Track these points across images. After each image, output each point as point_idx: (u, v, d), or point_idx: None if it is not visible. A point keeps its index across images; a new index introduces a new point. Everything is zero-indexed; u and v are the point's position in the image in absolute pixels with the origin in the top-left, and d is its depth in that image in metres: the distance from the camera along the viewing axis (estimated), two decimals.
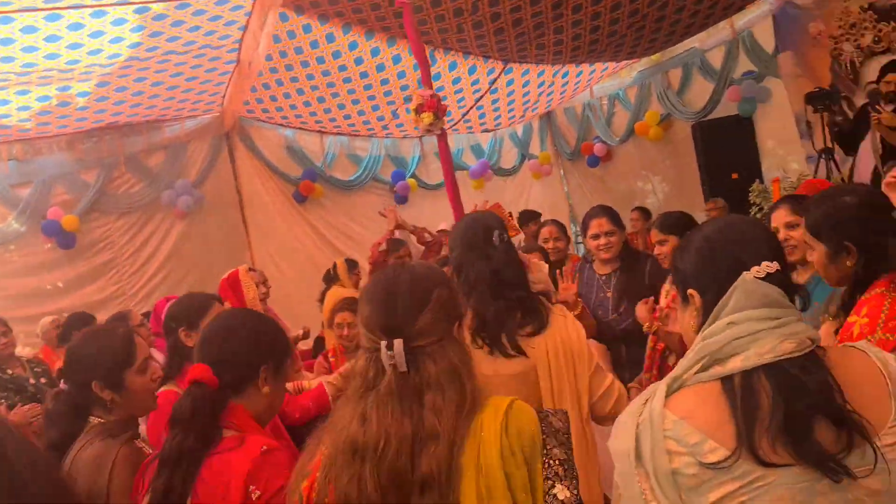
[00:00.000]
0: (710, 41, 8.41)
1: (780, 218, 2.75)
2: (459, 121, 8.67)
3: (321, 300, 5.59)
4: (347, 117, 8.24)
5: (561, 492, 1.34)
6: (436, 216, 7.90)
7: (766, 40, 7.84)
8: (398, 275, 1.47)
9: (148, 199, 7.67)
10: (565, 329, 2.28)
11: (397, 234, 6.31)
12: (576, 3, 6.67)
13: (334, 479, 1.36)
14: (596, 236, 3.66)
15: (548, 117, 10.53)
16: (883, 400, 1.26)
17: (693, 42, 8.44)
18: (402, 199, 8.97)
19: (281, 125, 8.41)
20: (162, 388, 2.44)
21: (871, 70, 6.61)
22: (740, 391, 1.24)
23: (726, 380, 1.26)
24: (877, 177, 5.88)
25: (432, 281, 1.47)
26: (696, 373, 1.29)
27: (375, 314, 1.43)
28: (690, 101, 8.87)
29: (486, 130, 9.82)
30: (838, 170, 6.24)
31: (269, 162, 8.32)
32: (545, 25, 6.92)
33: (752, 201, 7.05)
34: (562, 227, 4.79)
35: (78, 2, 5.68)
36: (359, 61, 7.24)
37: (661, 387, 1.32)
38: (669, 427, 1.25)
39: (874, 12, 6.77)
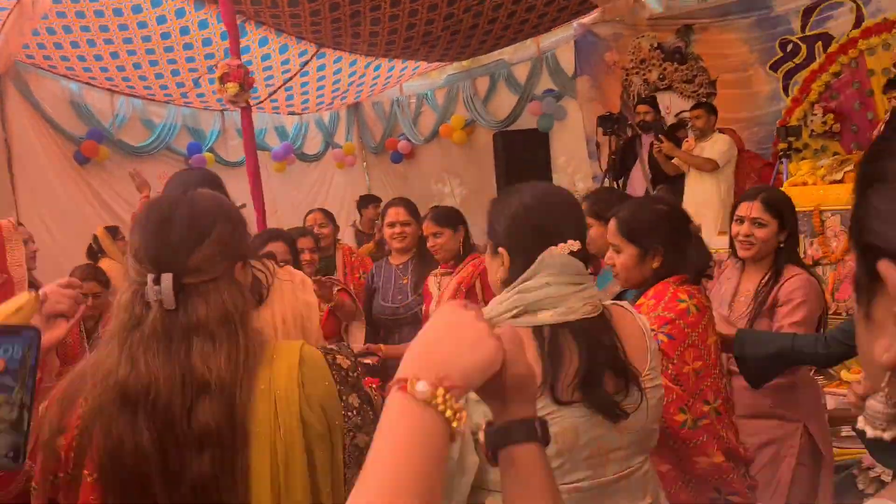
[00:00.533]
0: (517, 56, 8.80)
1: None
2: (265, 99, 8.37)
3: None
4: (143, 78, 7.67)
5: (362, 440, 1.30)
6: (233, 195, 7.55)
7: (567, 63, 8.34)
8: (177, 203, 1.30)
9: None
10: (291, 293, 2.15)
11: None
12: None
13: (103, 431, 1.19)
14: (392, 224, 3.75)
15: (355, 108, 10.48)
16: (643, 352, 1.57)
17: (502, 55, 8.79)
18: None
19: (66, 76, 7.64)
20: None
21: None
22: (549, 342, 1.46)
23: (536, 329, 1.47)
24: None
25: (214, 214, 1.31)
26: (509, 318, 1.48)
27: (145, 244, 1.26)
28: (494, 110, 9.23)
29: (293, 113, 9.58)
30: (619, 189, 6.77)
31: (47, 115, 7.52)
32: (362, 15, 6.87)
33: None
34: (329, 215, 4.80)
35: None
36: (161, 20, 6.77)
37: None
38: None
39: (661, 52, 7.43)
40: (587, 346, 1.46)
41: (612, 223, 2.25)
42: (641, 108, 6.82)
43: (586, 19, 7.80)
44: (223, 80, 4.50)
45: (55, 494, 1.25)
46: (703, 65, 7.29)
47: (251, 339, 1.26)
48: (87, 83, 7.80)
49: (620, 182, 6.85)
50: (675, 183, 6.28)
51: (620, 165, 6.83)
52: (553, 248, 1.51)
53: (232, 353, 1.22)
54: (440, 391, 0.73)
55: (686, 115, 6.70)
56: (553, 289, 1.48)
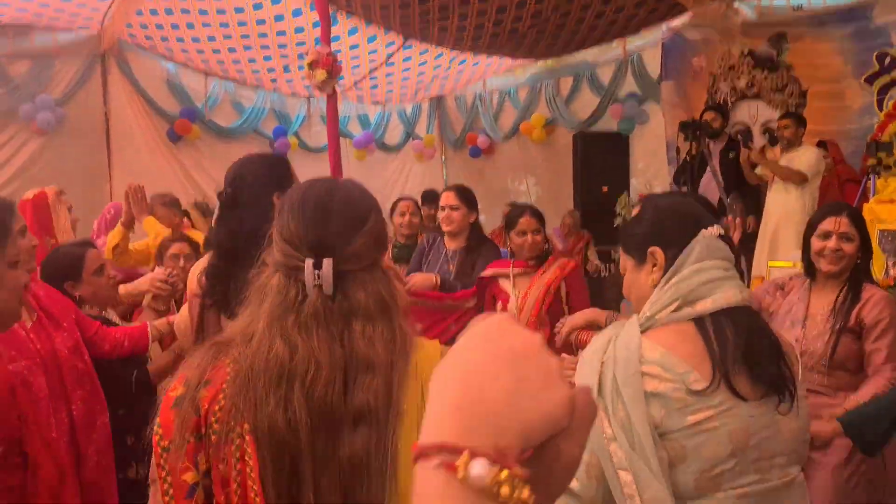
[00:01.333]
0: (602, 57, 8.73)
1: None
2: (351, 87, 8.57)
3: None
4: (236, 62, 7.96)
5: None
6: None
7: (653, 67, 8.23)
8: (332, 190, 1.33)
9: (3, 107, 7.09)
10: None
11: None
12: None
13: (255, 404, 1.21)
14: (442, 208, 3.78)
15: (438, 101, 10.59)
16: (793, 357, 1.60)
17: (587, 55, 8.74)
18: None
19: (164, 56, 8.00)
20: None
21: (740, 111, 7.10)
22: (713, 331, 1.48)
23: (698, 321, 1.50)
24: (722, 207, 6.34)
25: (369, 203, 1.35)
26: (671, 312, 1.52)
27: (304, 229, 1.28)
28: (576, 110, 9.19)
29: (376, 103, 9.76)
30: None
31: (145, 93, 7.90)
32: (450, 9, 6.96)
33: (617, 211, 7.40)
34: (418, 205, 4.91)
35: None
36: (257, 7, 7.02)
37: (630, 327, 1.54)
38: (656, 357, 1.46)
39: (752, 59, 7.26)
40: (748, 334, 1.48)
41: None
42: (709, 114, 6.67)
43: (676, 23, 7.68)
44: (312, 66, 4.65)
45: (193, 455, 1.22)
46: (794, 74, 7.09)
47: (404, 325, 1.30)
48: (183, 64, 8.15)
49: (688, 189, 6.73)
50: (749, 193, 6.15)
51: (693, 171, 6.70)
52: (705, 230, 1.55)
53: (389, 337, 1.26)
54: (505, 475, 0.50)
55: (773, 124, 6.55)
56: (706, 274, 1.51)
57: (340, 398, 1.21)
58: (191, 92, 8.29)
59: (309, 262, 1.25)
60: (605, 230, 7.43)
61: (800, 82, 7.05)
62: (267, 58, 7.82)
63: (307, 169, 8.72)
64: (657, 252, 1.58)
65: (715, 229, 1.55)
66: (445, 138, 10.77)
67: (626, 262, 1.68)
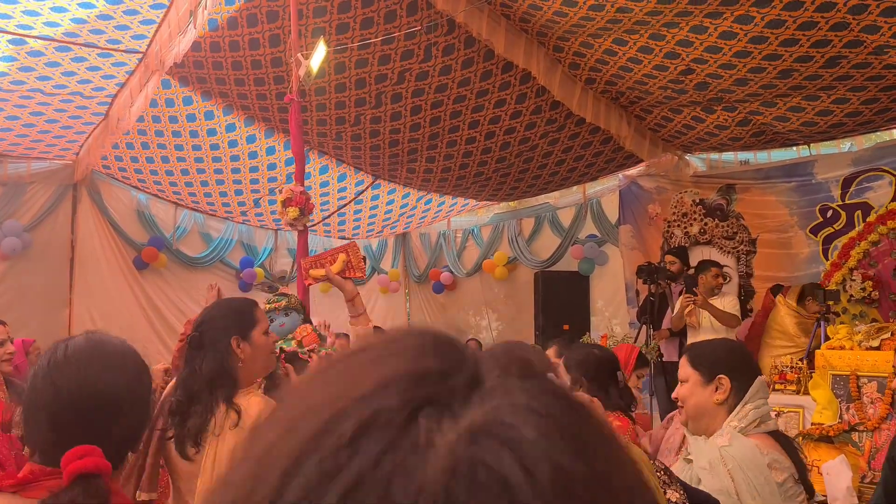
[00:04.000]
0: (563, 200, 9.13)
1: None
2: (319, 223, 8.76)
3: None
4: (208, 195, 8.13)
5: (672, 495, 1.73)
6: None
7: (611, 210, 8.61)
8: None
9: None
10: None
11: None
12: (451, 139, 7.12)
13: None
14: None
15: (403, 237, 10.84)
16: None
17: (548, 198, 9.13)
18: (245, 287, 8.81)
19: (136, 188, 8.15)
20: None
21: (694, 256, 7.41)
22: (784, 442, 2.09)
23: (773, 433, 2.10)
24: (682, 346, 6.52)
25: None
26: (755, 426, 2.07)
27: None
28: (537, 250, 9.47)
29: (343, 238, 9.95)
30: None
31: (114, 221, 7.97)
32: (419, 152, 7.30)
33: None
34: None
35: None
36: (232, 144, 7.26)
37: (735, 439, 2.03)
38: (775, 456, 2.00)
39: (703, 207, 7.67)
40: (791, 448, 2.09)
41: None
42: (669, 258, 7.02)
43: (632, 171, 8.13)
44: (285, 203, 4.78)
45: None
46: (744, 223, 7.48)
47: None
48: (154, 195, 8.29)
49: (652, 328, 6.91)
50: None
51: (653, 312, 6.91)
52: (761, 376, 2.19)
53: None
54: None
55: (727, 269, 6.84)
56: (767, 406, 2.12)
57: None
58: (159, 221, 8.39)
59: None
60: None
61: (749, 230, 7.43)
62: (238, 192, 8.01)
63: None
64: (724, 380, 2.11)
65: (764, 376, 2.27)
66: (409, 273, 10.94)
67: (690, 374, 2.17)
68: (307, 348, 2.82)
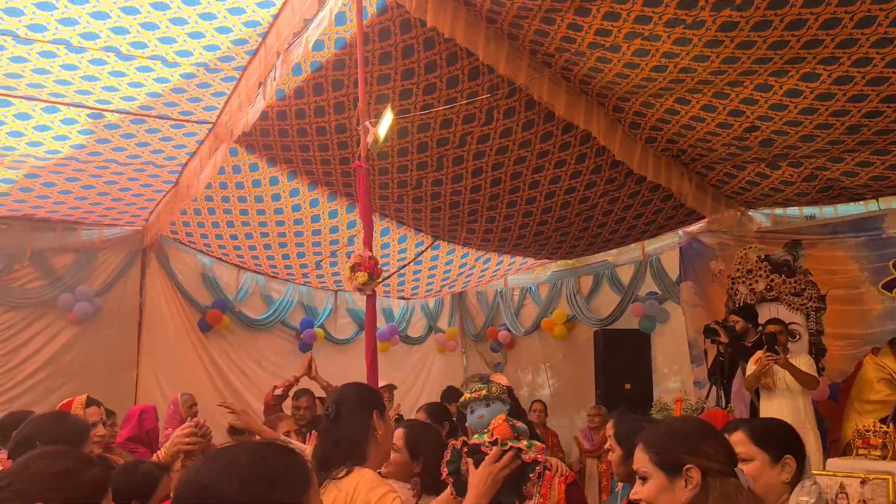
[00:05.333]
0: (622, 258, 9.04)
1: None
2: (379, 283, 8.81)
3: None
4: (271, 258, 8.29)
5: None
6: (337, 370, 7.81)
7: (672, 268, 8.50)
8: None
9: (44, 297, 7.34)
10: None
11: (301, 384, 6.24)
12: (511, 199, 7.15)
13: None
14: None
15: (460, 296, 10.85)
16: None
17: (607, 255, 9.06)
18: (306, 347, 8.88)
19: (201, 251, 8.35)
20: None
21: (762, 313, 7.22)
22: None
23: None
24: (754, 408, 6.30)
25: None
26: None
27: None
28: (596, 308, 9.37)
29: (402, 298, 10.01)
30: (726, 398, 6.62)
31: (180, 285, 8.17)
32: (479, 213, 7.34)
33: (653, 415, 7.32)
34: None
35: (33, 94, 5.71)
36: (296, 208, 7.41)
37: None
38: None
39: (769, 263, 7.51)
40: None
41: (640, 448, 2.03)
42: (733, 317, 6.82)
43: (692, 228, 8.03)
44: (354, 268, 4.84)
45: None
46: (812, 279, 7.28)
47: None
48: (219, 258, 8.48)
49: (723, 388, 6.71)
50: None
51: (724, 371, 6.71)
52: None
53: None
54: None
55: (797, 328, 6.66)
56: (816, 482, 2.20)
57: None
58: (223, 284, 8.56)
59: None
60: None
61: (818, 286, 7.23)
62: (300, 254, 8.15)
63: (332, 360, 8.86)
64: (790, 460, 2.16)
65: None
66: (466, 331, 10.91)
67: (758, 454, 2.18)
68: (489, 441, 2.52)
